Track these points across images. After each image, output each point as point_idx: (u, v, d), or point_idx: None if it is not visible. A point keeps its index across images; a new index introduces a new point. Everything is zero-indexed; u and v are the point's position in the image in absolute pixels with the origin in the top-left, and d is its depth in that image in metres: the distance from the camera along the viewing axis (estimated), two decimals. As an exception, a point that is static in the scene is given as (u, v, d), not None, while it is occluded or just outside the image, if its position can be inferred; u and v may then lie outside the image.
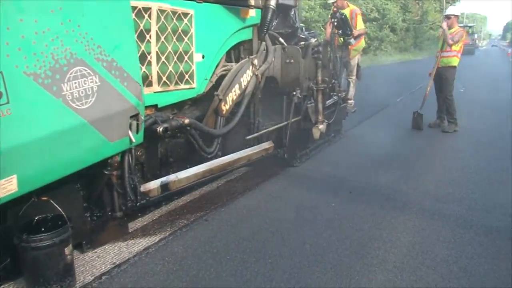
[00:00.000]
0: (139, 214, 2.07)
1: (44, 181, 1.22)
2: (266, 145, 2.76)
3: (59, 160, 1.26)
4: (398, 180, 2.63)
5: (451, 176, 2.68)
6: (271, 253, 1.69)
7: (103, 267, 1.57)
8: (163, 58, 1.95)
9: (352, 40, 3.73)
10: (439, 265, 1.60)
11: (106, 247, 1.71)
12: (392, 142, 3.52)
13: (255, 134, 2.69)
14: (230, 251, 1.71)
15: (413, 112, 4.10)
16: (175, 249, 1.74)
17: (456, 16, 3.78)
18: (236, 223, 2.02)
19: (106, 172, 1.65)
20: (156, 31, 1.85)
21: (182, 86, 2.11)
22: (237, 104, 2.51)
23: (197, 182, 2.20)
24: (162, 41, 1.90)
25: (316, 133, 2.99)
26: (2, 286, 1.39)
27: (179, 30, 1.99)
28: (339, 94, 3.58)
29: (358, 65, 4.31)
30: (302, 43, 2.91)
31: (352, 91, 4.34)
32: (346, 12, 3.93)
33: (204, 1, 2.07)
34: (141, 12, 1.74)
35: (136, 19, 1.73)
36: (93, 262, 1.61)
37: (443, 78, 3.84)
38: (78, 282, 1.46)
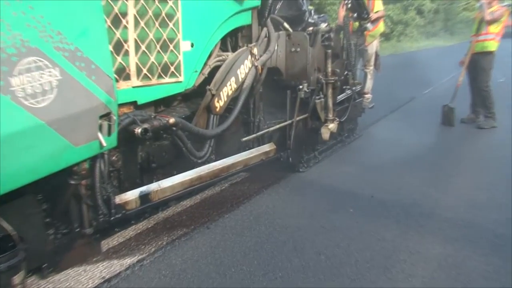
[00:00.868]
0: (116, 230, 2.03)
1: (-11, 195, 1.13)
2: (267, 147, 2.73)
3: (9, 169, 1.15)
4: (425, 183, 2.54)
5: (488, 179, 2.56)
6: (281, 266, 1.63)
7: (90, 283, 1.49)
8: (143, 47, 1.88)
9: (369, 25, 3.64)
10: (475, 282, 1.51)
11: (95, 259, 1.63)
12: (418, 141, 3.39)
13: (254, 135, 2.66)
14: (235, 263, 1.66)
15: (442, 106, 3.92)
16: (172, 260, 1.69)
17: None
18: (242, 231, 1.99)
19: (72, 182, 1.55)
20: (134, 15, 1.78)
21: (167, 79, 2.06)
22: (233, 100, 2.47)
23: (185, 192, 2.15)
24: (142, 27, 1.83)
25: (325, 134, 2.96)
26: None
27: (163, 14, 1.92)
28: (354, 88, 3.54)
29: (376, 54, 4.19)
30: (311, 28, 2.87)
31: (369, 84, 4.24)
32: None
33: (194, -21, 2.03)
34: (115, -8, 1.64)
35: (110, 1, 1.65)
36: (79, 277, 1.54)
37: (478, 66, 3.60)
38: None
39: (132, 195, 1.88)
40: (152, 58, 1.94)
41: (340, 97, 3.42)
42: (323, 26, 2.91)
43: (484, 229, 1.90)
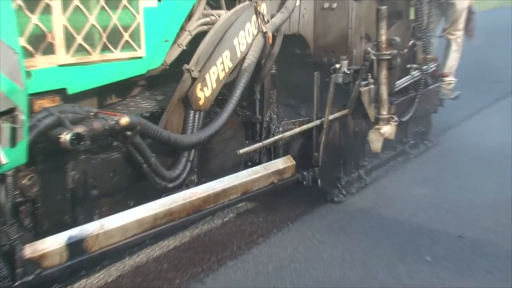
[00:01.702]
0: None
1: None
2: (281, 163, 2.76)
3: None
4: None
5: None
6: None
7: None
8: (76, 1, 1.87)
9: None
10: None
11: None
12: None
13: (260, 144, 2.70)
14: None
15: None
16: None
17: None
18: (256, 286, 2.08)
19: None
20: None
21: (117, 54, 2.10)
22: (227, 87, 2.55)
23: (145, 237, 2.18)
24: (74, -34, 1.86)
25: (376, 141, 2.98)
26: None
27: None
28: (426, 67, 3.53)
29: (469, 11, 3.94)
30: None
31: (453, 60, 4.10)
32: None
33: None
34: None
35: None
36: None
37: None
38: None
39: (54, 243, 1.81)
40: (92, 19, 1.95)
41: (402, 82, 3.41)
42: None
43: None
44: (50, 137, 1.78)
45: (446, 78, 4.06)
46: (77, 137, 1.79)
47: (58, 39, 1.85)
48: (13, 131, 1.50)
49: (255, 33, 2.59)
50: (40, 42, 1.81)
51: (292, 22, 2.86)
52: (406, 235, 2.57)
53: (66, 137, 1.77)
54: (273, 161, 2.79)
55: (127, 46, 2.12)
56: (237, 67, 2.57)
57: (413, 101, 3.56)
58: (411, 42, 3.55)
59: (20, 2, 1.71)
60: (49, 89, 1.87)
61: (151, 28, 2.21)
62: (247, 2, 2.57)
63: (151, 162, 2.17)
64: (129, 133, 2.02)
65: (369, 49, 3.06)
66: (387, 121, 3.05)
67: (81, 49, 1.95)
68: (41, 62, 1.81)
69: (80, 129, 1.82)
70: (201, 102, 2.40)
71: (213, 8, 2.61)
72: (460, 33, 4.05)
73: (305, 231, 2.63)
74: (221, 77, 2.47)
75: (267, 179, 2.67)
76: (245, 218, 2.77)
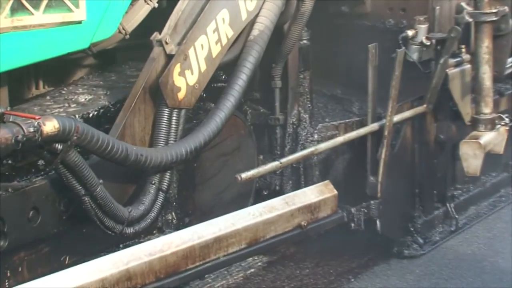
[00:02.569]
0: None
1: None
2: (313, 194, 2.74)
3: None
4: None
5: None
6: None
7: None
8: None
9: None
10: None
11: None
12: None
13: (273, 165, 2.66)
14: None
15: None
16: None
17: None
18: None
19: None
20: None
21: (39, 17, 2.10)
22: (226, 69, 2.65)
23: None
24: None
25: (472, 158, 3.01)
26: None
27: None
28: None
29: None
30: None
31: None
32: None
33: None
34: None
35: None
36: None
37: None
38: None
39: None
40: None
41: None
42: None
43: None
44: None
45: None
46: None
47: None
48: None
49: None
50: None
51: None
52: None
53: None
54: (301, 191, 2.76)
55: (55, 5, 2.13)
56: (242, 37, 2.59)
57: None
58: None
59: None
60: None
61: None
62: None
63: (96, 193, 2.13)
64: (59, 146, 1.98)
65: (463, 4, 3.04)
66: (492, 124, 3.01)
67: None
68: None
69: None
70: (181, 95, 2.39)
71: None
72: None
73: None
74: (214, 54, 2.48)
75: (291, 220, 2.63)
76: (280, 269, 2.82)
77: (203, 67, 2.44)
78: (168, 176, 2.40)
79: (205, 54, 2.45)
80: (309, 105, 3.03)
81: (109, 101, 2.42)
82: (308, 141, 2.92)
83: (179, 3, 2.43)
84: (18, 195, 2.05)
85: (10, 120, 1.89)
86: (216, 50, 2.48)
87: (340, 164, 3.00)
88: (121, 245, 2.34)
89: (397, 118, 2.90)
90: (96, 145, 2.06)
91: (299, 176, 2.94)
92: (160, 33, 2.37)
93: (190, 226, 2.45)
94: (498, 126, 3.02)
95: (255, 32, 2.59)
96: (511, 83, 3.50)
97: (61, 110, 2.27)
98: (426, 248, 3.12)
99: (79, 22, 2.20)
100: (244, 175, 2.54)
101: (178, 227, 2.50)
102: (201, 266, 2.37)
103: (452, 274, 3.04)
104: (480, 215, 3.49)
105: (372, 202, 2.89)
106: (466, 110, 3.07)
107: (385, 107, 2.88)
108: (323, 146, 2.79)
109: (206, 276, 2.71)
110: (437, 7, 3.02)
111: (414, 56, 2.96)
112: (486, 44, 2.92)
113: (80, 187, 2.10)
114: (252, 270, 2.90)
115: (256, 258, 2.93)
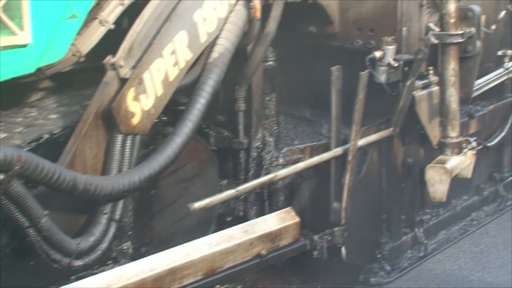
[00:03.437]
0: None
1: None
2: (273, 221, 2.73)
3: None
4: None
5: None
6: None
7: None
8: None
9: None
10: None
11: None
12: None
13: (228, 193, 2.65)
14: None
15: None
16: None
17: None
18: None
19: None
20: None
21: None
22: (185, 92, 2.61)
23: None
24: None
25: (438, 183, 2.98)
26: None
27: None
28: None
29: None
30: None
31: None
32: None
33: None
34: None
35: None
36: None
37: None
38: None
39: None
40: None
41: (487, 82, 3.49)
42: None
43: None
44: None
45: None
46: None
47: None
48: None
49: (232, 1, 2.61)
50: None
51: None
52: None
53: None
54: (261, 218, 2.74)
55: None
56: (201, 60, 2.58)
57: (509, 112, 3.65)
58: (502, 13, 3.58)
59: None
60: None
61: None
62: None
63: (41, 225, 2.09)
64: (0, 176, 1.93)
65: (431, 25, 3.02)
66: (458, 148, 2.99)
67: None
68: None
69: None
70: (135, 120, 2.36)
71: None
72: None
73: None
74: (171, 77, 2.47)
75: (250, 249, 2.60)
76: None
77: (160, 91, 2.42)
78: (121, 205, 2.37)
79: (162, 77, 2.42)
80: (275, 127, 3.00)
81: (59, 125, 2.37)
82: (273, 165, 2.89)
83: (135, 24, 2.40)
84: None
85: None
86: (173, 73, 2.45)
87: (306, 189, 2.98)
88: (73, 277, 2.28)
89: (362, 142, 2.88)
90: (41, 175, 2.02)
91: (264, 202, 2.91)
92: (114, 56, 2.32)
93: (147, 255, 2.41)
94: (465, 150, 3.01)
95: (214, 54, 2.57)
96: (482, 104, 3.53)
97: (6, 135, 2.24)
98: (393, 275, 3.10)
99: (24, 46, 2.18)
100: (197, 204, 2.50)
101: (134, 257, 2.44)
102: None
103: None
104: (451, 239, 3.48)
105: (336, 229, 2.86)
106: (434, 133, 3.07)
107: (354, 128, 2.83)
108: (283, 172, 2.76)
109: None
110: (404, 28, 3.01)
111: (382, 78, 2.93)
112: (452, 66, 2.91)
113: (24, 219, 2.05)
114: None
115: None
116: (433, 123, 3.06)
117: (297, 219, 2.75)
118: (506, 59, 3.59)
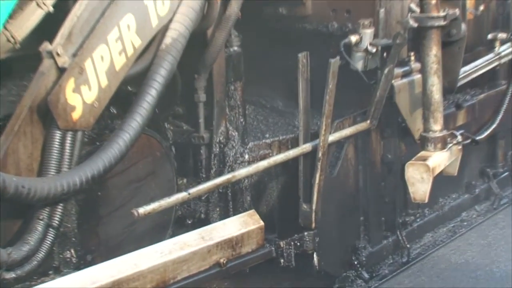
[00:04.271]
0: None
1: None
2: (234, 226, 2.77)
3: None
4: None
5: None
6: None
7: None
8: None
9: None
10: None
11: None
12: None
13: (177, 197, 2.61)
14: None
15: None
16: None
17: None
18: None
19: None
20: None
21: None
22: (135, 82, 2.61)
23: None
24: None
25: (419, 182, 3.00)
26: None
27: None
28: None
29: None
30: None
31: None
32: None
33: None
34: None
35: None
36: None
37: None
38: None
39: None
40: None
41: (475, 68, 3.48)
42: None
43: None
44: None
45: None
46: None
47: None
48: None
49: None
50: None
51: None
52: None
53: None
54: (220, 223, 2.76)
55: None
56: (153, 46, 2.58)
57: (501, 102, 3.62)
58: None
59: None
60: None
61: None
62: None
63: None
64: None
65: (413, 6, 2.99)
66: (442, 142, 2.99)
67: None
68: None
69: None
70: (75, 115, 2.35)
71: None
72: None
73: None
74: (117, 66, 2.46)
75: (208, 258, 2.61)
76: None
77: (104, 82, 2.40)
78: (60, 210, 2.34)
79: (106, 66, 2.40)
80: (242, 120, 2.99)
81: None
82: (238, 162, 2.87)
83: (75, 7, 2.36)
84: None
85: None
86: (120, 61, 2.43)
87: (274, 188, 2.97)
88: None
89: (334, 136, 2.86)
90: None
91: (228, 202, 2.90)
92: (51, 43, 2.29)
93: (94, 264, 2.41)
94: (450, 144, 2.99)
95: (167, 40, 2.55)
96: (472, 93, 3.54)
97: None
98: (372, 283, 3.09)
99: None
100: (142, 209, 2.44)
101: (78, 267, 2.43)
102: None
103: (444, 285, 3.05)
104: (438, 243, 3.49)
105: (306, 233, 2.85)
106: (416, 126, 3.07)
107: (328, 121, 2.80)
108: (243, 172, 2.72)
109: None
110: (381, 10, 2.99)
111: (358, 65, 2.93)
112: (434, 52, 2.91)
113: None
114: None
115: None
116: (414, 115, 3.06)
117: (261, 223, 2.75)
118: (497, 44, 3.59)
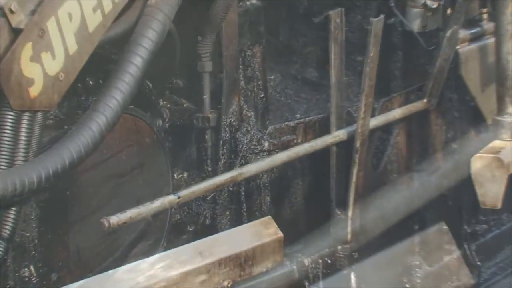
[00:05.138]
0: None
1: None
2: (244, 238, 2.68)
3: None
4: None
5: None
6: None
7: None
8: None
9: None
10: None
11: None
12: None
13: (181, 193, 2.56)
14: None
15: None
16: None
17: None
18: None
19: None
20: None
21: None
22: (114, 49, 2.62)
23: None
24: None
25: (489, 181, 2.90)
26: None
27: None
28: None
29: None
30: None
31: None
32: None
33: None
34: None
35: None
36: None
37: None
38: None
39: None
40: None
41: None
42: None
43: None
44: None
45: None
46: None
47: None
48: None
49: None
50: None
51: None
52: None
53: None
54: (225, 233, 2.66)
55: None
56: (138, 1, 2.50)
57: None
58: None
59: None
60: None
61: None
62: None
63: None
64: None
65: None
66: None
67: None
68: None
69: None
70: (34, 90, 2.24)
71: None
72: None
73: None
74: (91, 27, 2.36)
75: (207, 280, 2.48)
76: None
77: (73, 47, 2.27)
78: (12, 216, 2.20)
79: (76, 27, 2.27)
80: (262, 95, 2.85)
81: None
82: (256, 151, 2.74)
83: None
84: None
85: None
86: (94, 21, 2.31)
87: (299, 187, 2.86)
88: None
89: (378, 120, 2.75)
90: None
91: (240, 204, 2.77)
92: (4, -2, 2.27)
93: (59, 285, 2.34)
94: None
95: None
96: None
97: None
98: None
99: None
100: (116, 218, 2.27)
101: (41, 287, 2.36)
102: None
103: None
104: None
105: (339, 247, 2.73)
106: (489, 106, 2.95)
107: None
108: (252, 168, 2.57)
109: None
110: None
111: (414, 26, 2.82)
112: (510, 10, 2.78)
113: None
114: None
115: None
116: (487, 92, 2.94)
117: (279, 233, 2.60)
118: None
